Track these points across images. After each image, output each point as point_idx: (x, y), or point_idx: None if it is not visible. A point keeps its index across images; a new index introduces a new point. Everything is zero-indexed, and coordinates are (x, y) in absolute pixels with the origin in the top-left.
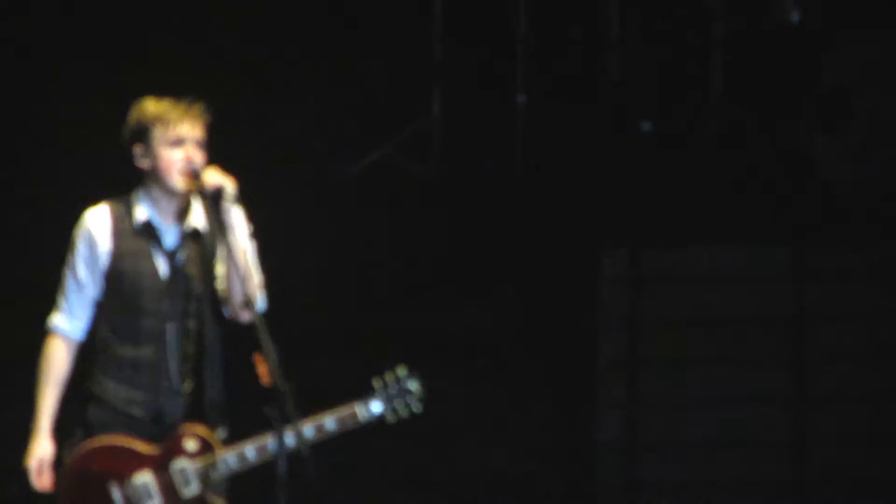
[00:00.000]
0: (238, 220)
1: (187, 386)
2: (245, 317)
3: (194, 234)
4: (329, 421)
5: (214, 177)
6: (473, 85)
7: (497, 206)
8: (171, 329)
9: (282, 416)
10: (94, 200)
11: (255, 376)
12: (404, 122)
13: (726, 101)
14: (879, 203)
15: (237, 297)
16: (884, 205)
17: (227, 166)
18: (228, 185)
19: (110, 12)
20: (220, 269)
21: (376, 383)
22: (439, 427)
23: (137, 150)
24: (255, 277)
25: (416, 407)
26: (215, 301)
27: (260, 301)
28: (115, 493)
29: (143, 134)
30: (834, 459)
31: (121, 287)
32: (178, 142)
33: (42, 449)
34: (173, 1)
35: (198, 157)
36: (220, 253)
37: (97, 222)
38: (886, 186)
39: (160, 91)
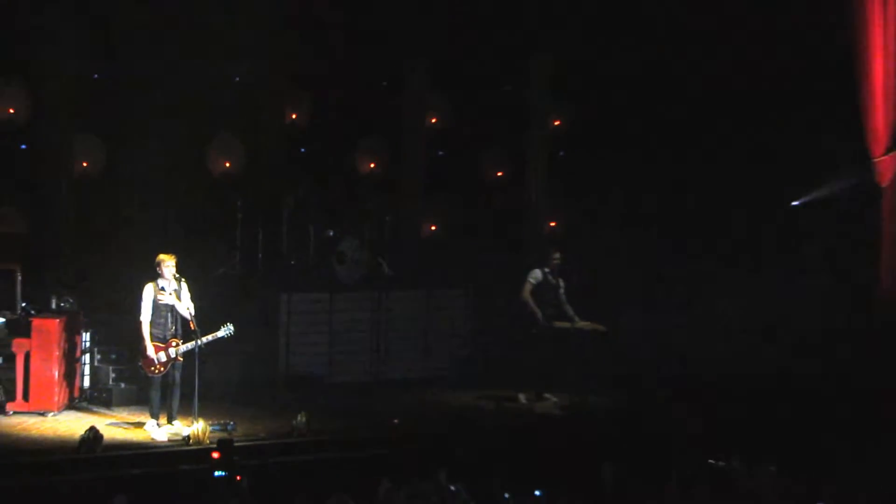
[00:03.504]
0: (185, 288)
1: (173, 329)
2: (187, 315)
3: (175, 290)
4: (210, 337)
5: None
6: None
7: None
8: (172, 314)
9: (196, 336)
10: (149, 279)
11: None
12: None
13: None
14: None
15: (188, 313)
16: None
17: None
18: (184, 281)
19: None
20: (183, 301)
21: (222, 325)
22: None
23: (157, 269)
24: (191, 304)
25: (233, 333)
26: (181, 310)
27: (192, 309)
28: (163, 355)
29: (159, 265)
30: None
31: (157, 306)
32: (169, 266)
33: (149, 349)
34: None
35: (174, 271)
36: (181, 296)
37: (150, 287)
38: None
39: None
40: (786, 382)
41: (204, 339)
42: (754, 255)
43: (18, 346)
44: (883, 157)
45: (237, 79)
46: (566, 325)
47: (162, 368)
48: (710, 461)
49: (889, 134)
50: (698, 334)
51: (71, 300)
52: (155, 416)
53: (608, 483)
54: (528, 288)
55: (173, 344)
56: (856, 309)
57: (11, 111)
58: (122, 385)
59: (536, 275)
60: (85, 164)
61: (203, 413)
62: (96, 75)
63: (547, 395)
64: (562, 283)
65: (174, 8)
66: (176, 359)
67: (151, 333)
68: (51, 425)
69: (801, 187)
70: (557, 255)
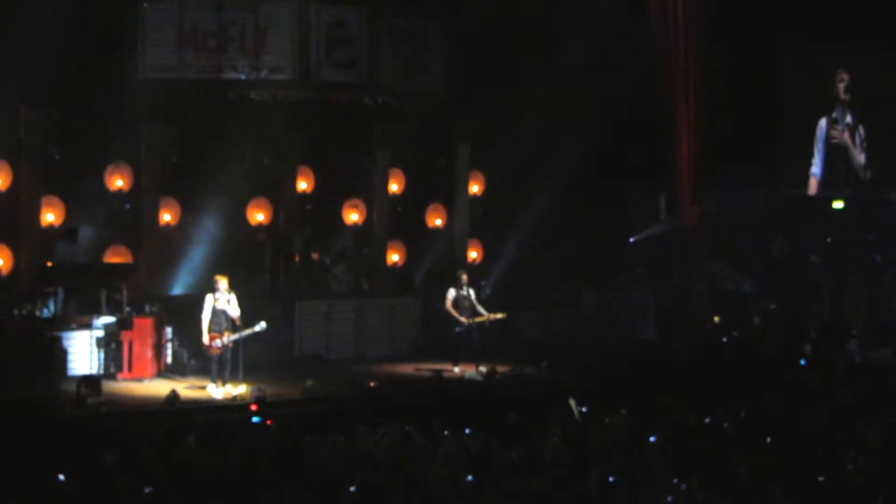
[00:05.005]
0: (233, 297)
1: (225, 324)
2: (235, 315)
3: (227, 299)
4: (249, 331)
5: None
6: None
7: None
8: (225, 315)
9: (240, 329)
10: (209, 291)
11: (236, 325)
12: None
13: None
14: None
15: (235, 314)
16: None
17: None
18: (232, 293)
19: None
20: (232, 306)
21: (258, 321)
22: None
23: (215, 285)
24: (237, 308)
25: (265, 328)
26: (231, 312)
27: (238, 311)
28: (218, 342)
29: (216, 282)
30: None
31: (215, 310)
32: (223, 283)
33: (206, 337)
34: None
35: (227, 286)
36: (231, 303)
37: (210, 297)
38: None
39: None
40: (626, 356)
41: (245, 332)
42: (605, 274)
43: (124, 335)
44: (688, 208)
45: (266, 161)
46: (482, 318)
47: (218, 350)
48: (581, 408)
49: (692, 191)
50: (573, 325)
51: (158, 306)
52: (214, 381)
53: (511, 425)
54: (448, 302)
55: (225, 334)
56: (673, 313)
57: (120, 182)
58: (193, 361)
59: (451, 292)
60: (168, 218)
61: (245, 379)
62: (175, 160)
63: (481, 369)
64: (471, 293)
65: (221, 119)
66: (227, 344)
67: (210, 327)
68: (146, 387)
69: (635, 229)
70: (465, 276)
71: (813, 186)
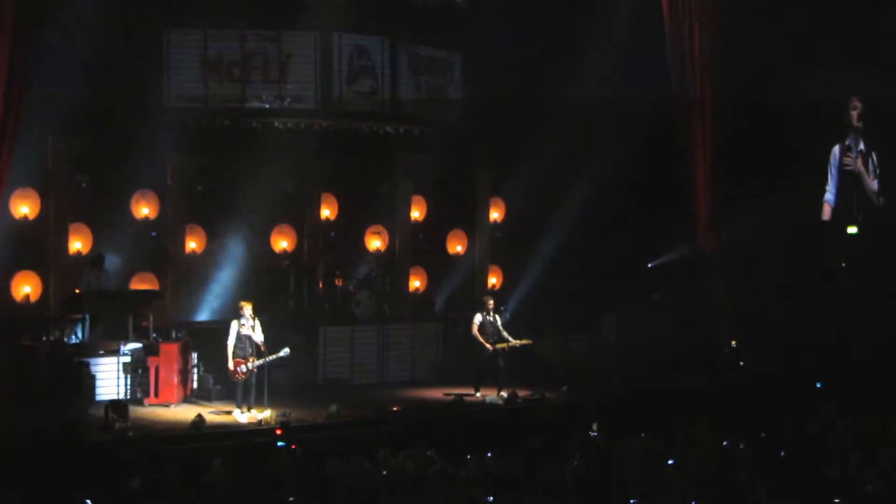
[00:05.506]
0: (258, 323)
1: (250, 350)
2: (259, 341)
3: (251, 325)
4: (274, 356)
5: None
6: None
7: None
8: (250, 341)
9: (265, 355)
10: (234, 318)
11: (261, 350)
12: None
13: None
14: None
15: (260, 340)
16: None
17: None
18: (257, 319)
19: None
20: (256, 331)
21: (282, 347)
22: None
23: (240, 311)
24: (261, 334)
25: (289, 353)
26: (255, 338)
27: (262, 337)
28: (243, 367)
29: (241, 308)
30: None
31: (240, 335)
32: (247, 309)
33: (231, 363)
34: None
35: (251, 312)
36: (255, 328)
37: (235, 323)
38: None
39: None
40: (645, 380)
41: (270, 357)
42: (623, 299)
43: (151, 361)
44: (705, 234)
45: (289, 189)
46: (504, 344)
47: (243, 375)
48: (592, 432)
49: (708, 217)
50: (592, 349)
51: (184, 332)
52: (239, 406)
53: (535, 447)
54: (474, 327)
55: (250, 360)
56: (691, 337)
57: (147, 210)
58: (218, 386)
59: (478, 318)
60: (193, 246)
61: (270, 404)
62: (200, 188)
63: (502, 393)
64: (497, 319)
65: (245, 147)
66: (252, 369)
67: (235, 353)
68: (172, 412)
69: (653, 254)
70: (490, 302)
71: (827, 212)
